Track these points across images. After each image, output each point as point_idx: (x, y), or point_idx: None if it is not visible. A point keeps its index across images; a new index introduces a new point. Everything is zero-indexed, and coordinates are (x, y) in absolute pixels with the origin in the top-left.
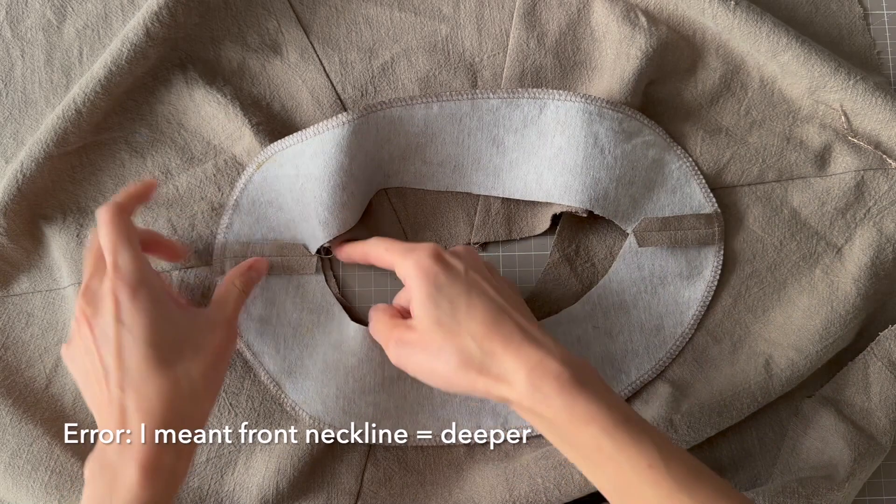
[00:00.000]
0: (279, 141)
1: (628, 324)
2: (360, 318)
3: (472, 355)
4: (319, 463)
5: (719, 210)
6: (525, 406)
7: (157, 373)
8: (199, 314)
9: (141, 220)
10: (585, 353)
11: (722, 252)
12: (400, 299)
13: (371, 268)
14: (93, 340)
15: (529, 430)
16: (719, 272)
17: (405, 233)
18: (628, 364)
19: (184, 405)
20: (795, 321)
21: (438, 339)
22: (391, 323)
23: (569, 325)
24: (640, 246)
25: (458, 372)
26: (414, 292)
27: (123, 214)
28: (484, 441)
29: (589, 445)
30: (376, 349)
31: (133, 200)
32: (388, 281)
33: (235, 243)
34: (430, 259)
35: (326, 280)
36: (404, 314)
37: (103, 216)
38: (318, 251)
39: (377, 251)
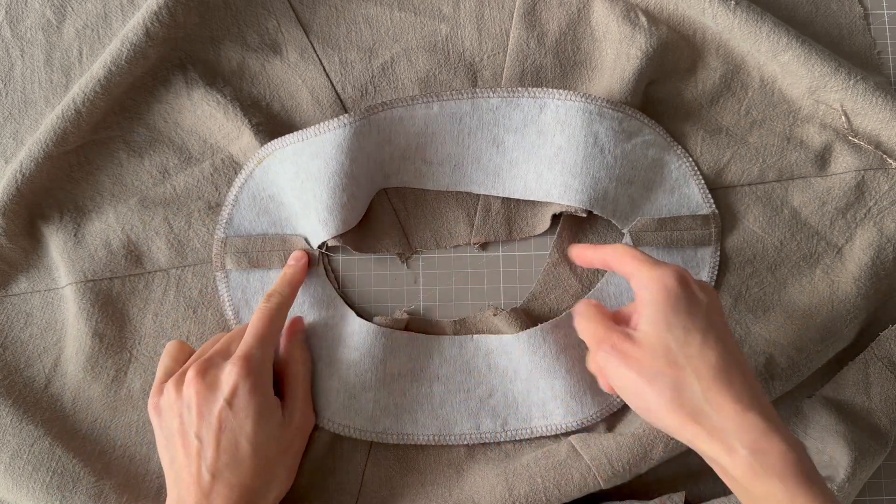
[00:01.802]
0: (280, 138)
1: None
2: (361, 316)
3: (690, 397)
4: (319, 463)
5: (717, 211)
6: (735, 476)
7: (246, 467)
8: (284, 410)
9: (138, 220)
10: (586, 355)
11: (718, 253)
12: (617, 311)
13: (371, 268)
14: (196, 409)
15: (529, 431)
16: (716, 273)
17: (405, 233)
18: None
19: (260, 500)
20: (796, 321)
21: (659, 363)
22: (608, 325)
23: (569, 329)
24: (635, 246)
25: (667, 407)
26: (647, 306)
27: (283, 310)
28: (484, 441)
29: None
30: (378, 345)
31: (295, 291)
32: (388, 281)
33: (236, 238)
34: (675, 280)
35: (327, 276)
36: (617, 321)
37: (266, 309)
38: (320, 246)
39: (619, 256)
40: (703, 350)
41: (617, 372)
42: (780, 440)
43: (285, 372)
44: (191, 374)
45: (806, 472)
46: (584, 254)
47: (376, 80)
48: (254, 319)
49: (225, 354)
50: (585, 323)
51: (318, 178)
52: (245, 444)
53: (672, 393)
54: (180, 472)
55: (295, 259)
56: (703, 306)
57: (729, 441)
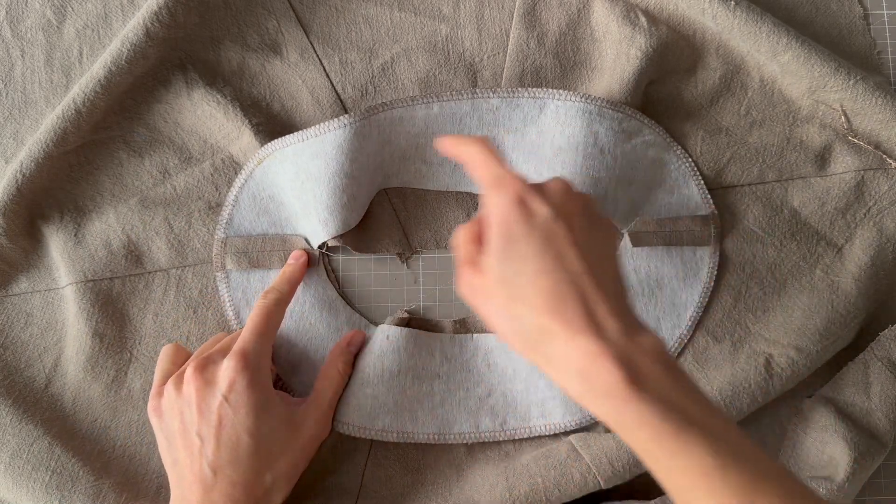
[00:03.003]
0: (280, 139)
1: None
2: (361, 315)
3: (526, 329)
4: (319, 462)
5: (716, 211)
6: (576, 400)
7: (248, 463)
8: (296, 409)
9: (138, 220)
10: None
11: (718, 253)
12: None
13: (371, 268)
14: (196, 406)
15: (528, 430)
16: (715, 273)
17: (405, 233)
18: None
19: (263, 497)
20: (796, 321)
21: (499, 298)
22: (467, 253)
23: None
24: (633, 246)
25: (513, 337)
26: (487, 234)
27: (281, 307)
28: (483, 440)
29: (640, 450)
30: (377, 342)
31: (293, 289)
32: (388, 281)
33: (237, 238)
34: (511, 203)
35: (328, 276)
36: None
37: (264, 305)
38: (320, 247)
39: (473, 160)
40: (536, 278)
41: (471, 301)
42: (609, 360)
43: (321, 376)
44: (189, 372)
45: (639, 382)
46: (447, 143)
47: (376, 80)
48: (252, 315)
49: (224, 353)
50: (455, 244)
51: (319, 179)
52: (246, 438)
53: (512, 325)
54: (183, 471)
55: (294, 257)
56: (543, 219)
57: (561, 366)
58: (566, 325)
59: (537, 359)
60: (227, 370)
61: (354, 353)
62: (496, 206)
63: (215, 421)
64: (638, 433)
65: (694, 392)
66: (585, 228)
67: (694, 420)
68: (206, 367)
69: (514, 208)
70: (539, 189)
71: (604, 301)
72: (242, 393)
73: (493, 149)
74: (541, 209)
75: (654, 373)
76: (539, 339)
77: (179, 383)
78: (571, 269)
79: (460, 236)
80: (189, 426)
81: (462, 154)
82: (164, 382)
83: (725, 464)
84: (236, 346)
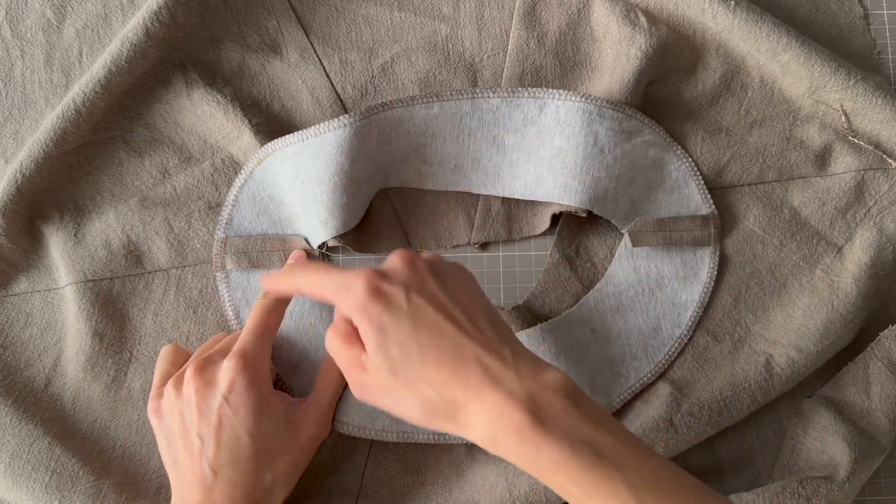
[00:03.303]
0: (280, 139)
1: (626, 327)
2: None
3: (434, 405)
4: (319, 463)
5: (716, 212)
6: (498, 455)
7: (248, 463)
8: (296, 409)
9: (138, 220)
10: (585, 356)
11: (718, 254)
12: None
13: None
14: (196, 406)
15: None
16: (715, 273)
17: (405, 233)
18: (627, 367)
19: (263, 497)
20: (796, 320)
21: (397, 388)
22: (349, 357)
23: (568, 329)
24: (633, 246)
25: (427, 419)
26: (363, 336)
27: (281, 307)
28: None
29: (559, 490)
30: None
31: (293, 290)
32: None
33: (236, 238)
34: (368, 298)
35: None
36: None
37: (264, 305)
38: (320, 247)
39: (309, 286)
40: (422, 354)
41: (375, 403)
42: (514, 408)
43: (321, 376)
44: (189, 372)
45: (546, 424)
46: (270, 281)
47: (376, 80)
48: (251, 315)
49: (224, 353)
50: (331, 350)
51: (319, 179)
52: (246, 438)
53: (421, 409)
54: (183, 471)
55: (294, 257)
56: (402, 301)
57: (473, 426)
58: (468, 389)
59: (458, 429)
60: (226, 370)
61: None
62: (356, 307)
63: (215, 421)
64: (555, 476)
65: (604, 423)
66: (441, 289)
67: (605, 453)
68: (206, 367)
69: (373, 302)
70: (384, 273)
71: (492, 352)
72: (242, 393)
73: (317, 263)
74: (395, 292)
75: (560, 409)
76: (451, 411)
77: (179, 384)
78: (449, 334)
79: (334, 343)
80: (189, 427)
81: (296, 287)
82: (163, 383)
83: (641, 495)
84: (236, 347)
